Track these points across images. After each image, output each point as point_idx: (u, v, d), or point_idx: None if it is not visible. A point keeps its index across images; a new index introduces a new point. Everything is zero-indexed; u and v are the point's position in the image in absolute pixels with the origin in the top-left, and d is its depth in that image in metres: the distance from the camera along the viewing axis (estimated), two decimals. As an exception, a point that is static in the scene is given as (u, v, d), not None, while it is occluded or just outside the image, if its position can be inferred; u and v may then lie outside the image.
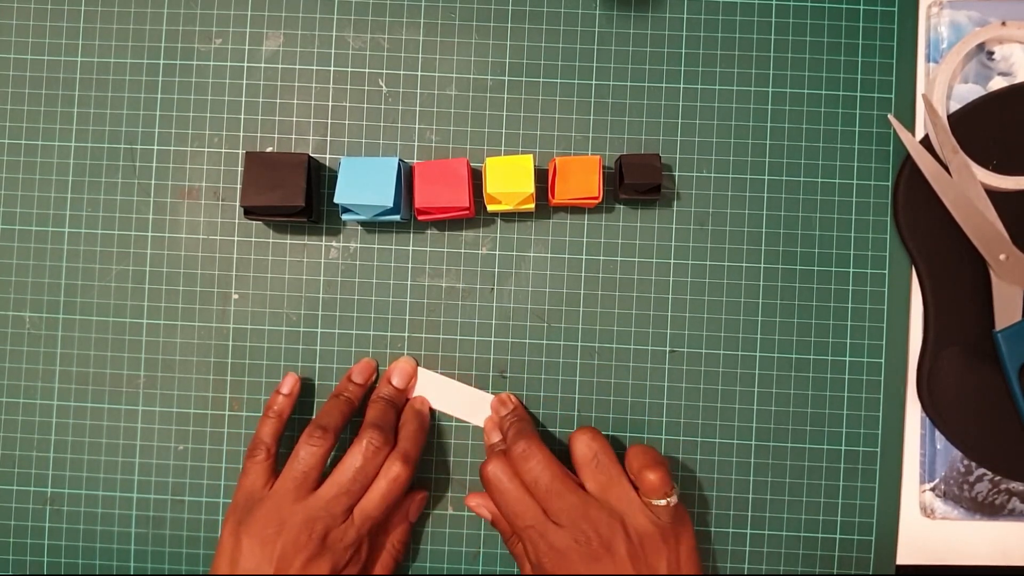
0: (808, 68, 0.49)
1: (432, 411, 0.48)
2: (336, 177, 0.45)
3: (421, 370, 0.48)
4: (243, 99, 0.49)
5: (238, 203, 0.48)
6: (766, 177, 0.48)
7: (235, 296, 0.48)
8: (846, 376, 0.48)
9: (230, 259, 0.48)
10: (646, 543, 0.41)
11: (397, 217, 0.46)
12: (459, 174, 0.45)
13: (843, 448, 0.48)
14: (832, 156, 0.48)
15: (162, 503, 0.48)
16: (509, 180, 0.45)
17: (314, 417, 0.45)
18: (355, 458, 0.43)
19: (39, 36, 0.49)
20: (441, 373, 0.48)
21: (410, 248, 0.49)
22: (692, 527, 0.44)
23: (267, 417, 0.46)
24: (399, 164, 0.45)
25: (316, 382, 0.48)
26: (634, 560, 0.41)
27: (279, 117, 0.49)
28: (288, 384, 0.47)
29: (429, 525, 0.48)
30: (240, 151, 0.49)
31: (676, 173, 0.49)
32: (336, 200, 0.44)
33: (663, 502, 0.42)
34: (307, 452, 0.43)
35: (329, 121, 0.49)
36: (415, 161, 0.48)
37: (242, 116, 0.49)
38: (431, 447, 0.48)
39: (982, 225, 0.46)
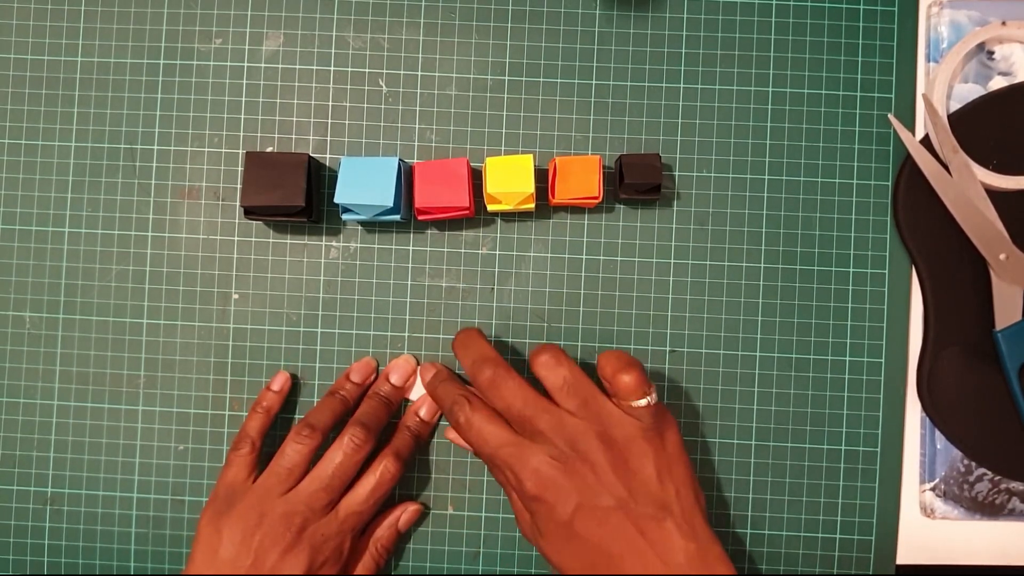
0: (808, 68, 0.49)
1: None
2: (336, 177, 0.45)
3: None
4: (243, 99, 0.49)
5: (238, 203, 0.48)
6: (766, 177, 0.48)
7: (235, 296, 0.48)
8: (846, 376, 0.48)
9: (230, 259, 0.48)
10: (629, 448, 0.40)
11: (397, 217, 0.46)
12: (459, 174, 0.45)
13: (843, 448, 0.48)
14: (832, 156, 0.48)
15: (162, 503, 0.48)
16: (509, 180, 0.45)
17: (306, 414, 0.46)
18: (336, 454, 0.43)
19: (39, 36, 0.49)
20: None
21: (410, 248, 0.49)
22: (676, 423, 0.43)
23: (255, 412, 0.46)
24: (399, 164, 0.45)
25: (316, 382, 0.48)
26: (616, 468, 0.40)
27: (279, 117, 0.49)
28: (279, 381, 0.47)
29: (429, 525, 0.48)
30: (240, 151, 0.49)
31: (676, 173, 0.49)
32: (336, 200, 0.44)
33: (643, 402, 0.41)
34: (293, 449, 0.43)
35: (329, 121, 0.49)
36: (415, 161, 0.48)
37: (242, 116, 0.49)
38: (431, 447, 0.48)
39: (982, 225, 0.46)
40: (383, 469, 0.44)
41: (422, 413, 0.47)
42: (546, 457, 0.40)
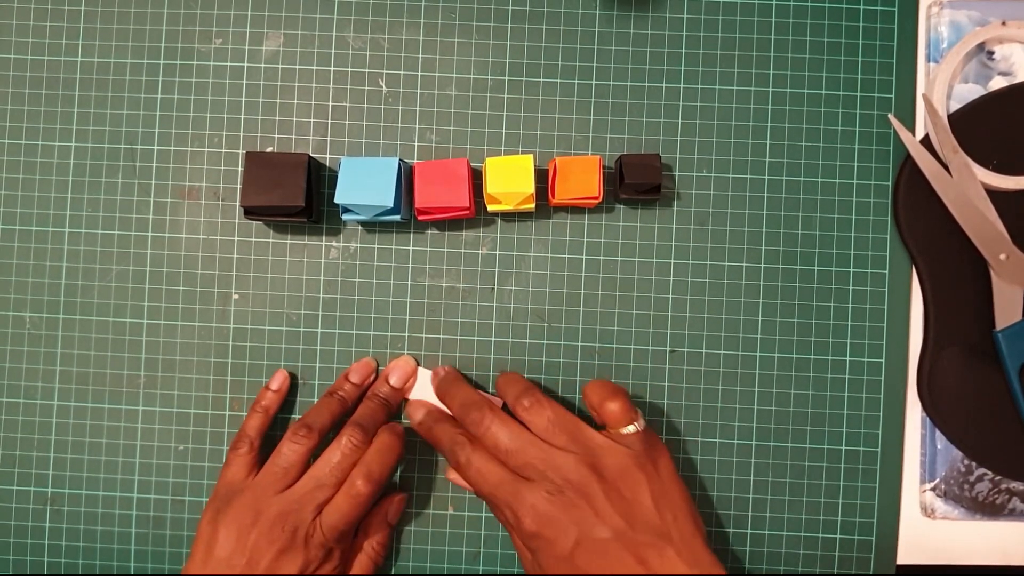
0: (808, 68, 0.49)
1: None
2: (336, 177, 0.45)
3: (421, 370, 0.48)
4: (243, 99, 0.49)
5: (238, 203, 0.48)
6: (766, 177, 0.48)
7: (235, 296, 0.48)
8: (846, 376, 0.48)
9: (230, 259, 0.48)
10: (623, 478, 0.40)
11: (397, 217, 0.46)
12: (459, 174, 0.45)
13: (843, 448, 0.48)
14: (832, 156, 0.48)
15: (162, 503, 0.48)
16: (509, 180, 0.45)
17: (303, 414, 0.45)
18: (333, 454, 0.43)
19: (39, 36, 0.49)
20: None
21: (410, 248, 0.49)
22: (666, 449, 0.43)
23: (254, 412, 0.46)
24: (399, 164, 0.45)
25: (316, 382, 0.48)
26: (612, 498, 0.40)
27: (279, 117, 0.49)
28: (277, 380, 0.47)
29: (429, 525, 0.48)
30: (240, 151, 0.49)
31: (676, 173, 0.49)
32: (336, 200, 0.44)
33: (630, 428, 0.41)
34: (289, 448, 0.43)
35: (329, 121, 0.49)
36: (415, 161, 0.48)
37: (242, 116, 0.49)
38: (432, 449, 0.48)
39: (982, 225, 0.46)
40: (355, 491, 0.43)
41: (392, 380, 0.47)
42: (542, 493, 0.40)
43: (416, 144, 0.49)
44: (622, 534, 0.39)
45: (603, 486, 0.40)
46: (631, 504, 0.40)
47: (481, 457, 0.42)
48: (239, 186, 0.48)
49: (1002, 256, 0.46)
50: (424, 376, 0.48)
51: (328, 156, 0.49)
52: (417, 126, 0.49)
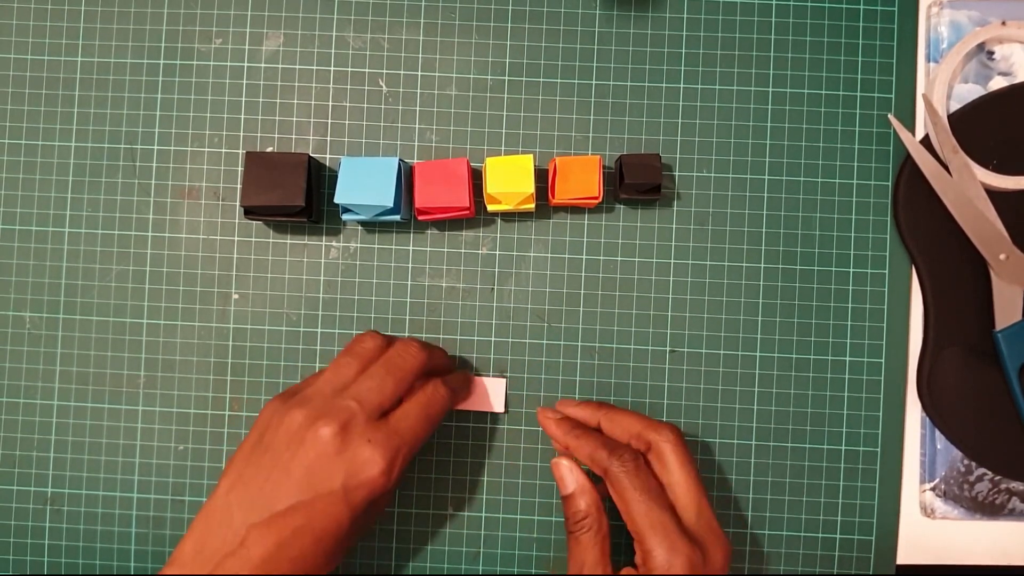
0: (808, 68, 0.49)
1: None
2: (336, 177, 0.45)
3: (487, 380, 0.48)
4: (243, 99, 0.49)
5: (238, 203, 0.48)
6: (766, 177, 0.48)
7: (235, 296, 0.48)
8: (846, 376, 0.48)
9: (230, 259, 0.48)
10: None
11: (397, 217, 0.46)
12: (459, 174, 0.45)
13: (843, 448, 0.48)
14: (832, 156, 0.48)
15: (162, 503, 0.48)
16: (509, 180, 0.45)
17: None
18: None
19: (39, 36, 0.49)
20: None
21: (410, 248, 0.49)
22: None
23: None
24: (399, 164, 0.45)
25: (316, 382, 0.48)
26: None
27: (279, 117, 0.49)
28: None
29: (429, 525, 0.48)
30: (240, 151, 0.49)
31: (676, 173, 0.49)
32: (336, 200, 0.44)
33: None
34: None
35: (329, 121, 0.49)
36: (415, 161, 0.48)
37: (242, 116, 0.49)
38: (431, 447, 0.48)
39: (982, 225, 0.46)
40: (433, 389, 0.42)
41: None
42: (689, 562, 0.40)
43: (416, 144, 0.49)
44: None
45: None
46: None
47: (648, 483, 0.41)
48: (239, 186, 0.48)
49: (1002, 256, 0.46)
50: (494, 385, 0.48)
51: (328, 156, 0.49)
52: (417, 126, 0.49)
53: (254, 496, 0.38)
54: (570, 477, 0.43)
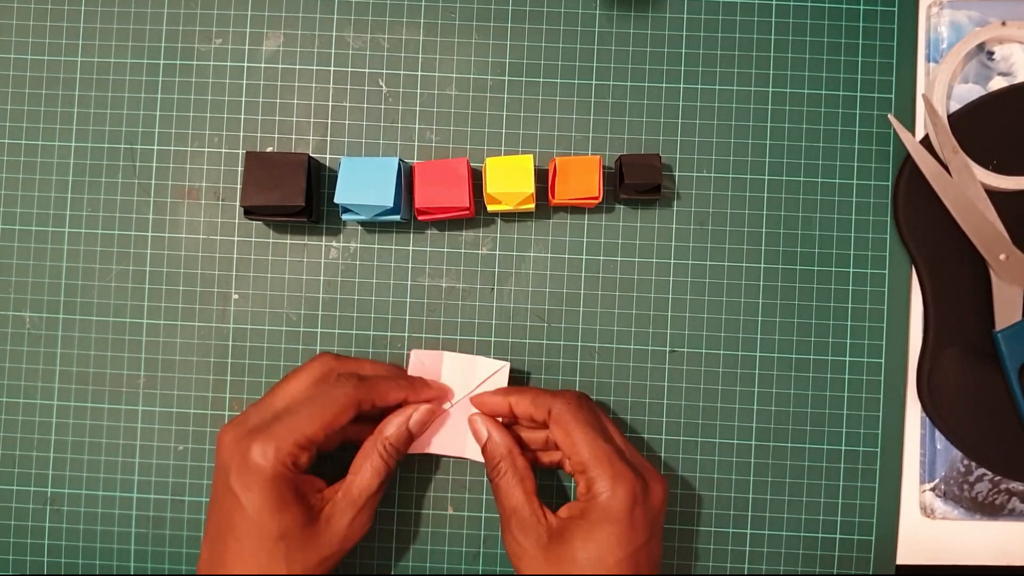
0: (808, 68, 0.49)
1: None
2: (336, 177, 0.45)
3: (447, 355, 0.47)
4: (243, 99, 0.49)
5: (238, 203, 0.48)
6: (766, 177, 0.48)
7: (235, 296, 0.48)
8: (846, 376, 0.48)
9: (230, 259, 0.48)
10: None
11: (397, 217, 0.46)
12: (459, 174, 0.45)
13: (843, 448, 0.48)
14: (832, 156, 0.48)
15: (162, 503, 0.48)
16: (509, 180, 0.45)
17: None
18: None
19: (39, 36, 0.49)
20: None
21: (410, 248, 0.49)
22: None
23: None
24: (399, 164, 0.45)
25: (316, 382, 0.48)
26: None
27: (279, 117, 0.49)
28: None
29: (429, 525, 0.48)
30: (240, 151, 0.49)
31: (676, 173, 0.49)
32: (336, 200, 0.44)
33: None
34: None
35: (329, 121, 0.49)
36: (415, 161, 0.48)
37: (242, 116, 0.49)
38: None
39: (982, 225, 0.46)
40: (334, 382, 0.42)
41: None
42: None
43: (416, 144, 0.49)
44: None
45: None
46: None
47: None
48: (239, 186, 0.48)
49: (1002, 256, 0.46)
50: (451, 361, 0.47)
51: (328, 156, 0.49)
52: (417, 126, 0.49)
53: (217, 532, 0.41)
54: (482, 428, 0.44)
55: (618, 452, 0.41)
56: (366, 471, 0.42)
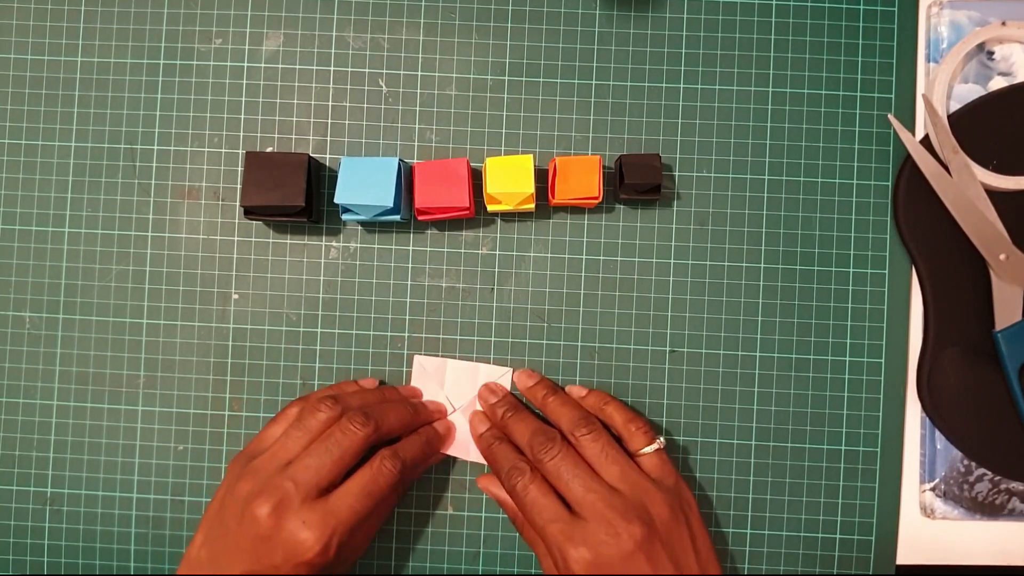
0: (808, 68, 0.49)
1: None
2: (336, 177, 0.45)
3: (450, 361, 0.48)
4: (243, 99, 0.49)
5: (238, 203, 0.48)
6: (766, 177, 0.48)
7: (235, 296, 0.48)
8: (846, 376, 0.48)
9: (230, 259, 0.48)
10: (670, 532, 0.41)
11: (397, 217, 0.46)
12: (459, 174, 0.45)
13: (843, 448, 0.48)
14: (832, 156, 0.48)
15: (162, 503, 0.48)
16: (509, 180, 0.45)
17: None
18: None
19: (39, 36, 0.49)
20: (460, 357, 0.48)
21: (410, 248, 0.49)
22: (686, 484, 0.44)
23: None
24: (399, 164, 0.45)
25: (316, 382, 0.48)
26: (662, 555, 0.40)
27: (279, 117, 0.49)
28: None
29: (429, 525, 0.48)
30: (240, 151, 0.49)
31: (676, 173, 0.49)
32: (336, 200, 0.44)
33: (653, 447, 0.44)
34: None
35: (329, 121, 0.49)
36: (415, 161, 0.48)
37: (242, 116, 0.49)
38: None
39: (982, 225, 0.46)
40: (379, 464, 0.43)
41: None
42: (601, 536, 0.40)
43: (416, 144, 0.49)
44: None
45: (657, 539, 0.41)
46: (679, 563, 0.41)
47: (539, 488, 0.42)
48: (239, 186, 0.48)
49: (1002, 256, 0.46)
50: (455, 368, 0.48)
51: (328, 156, 0.49)
52: (417, 126, 0.49)
53: (217, 555, 0.41)
54: (494, 490, 0.46)
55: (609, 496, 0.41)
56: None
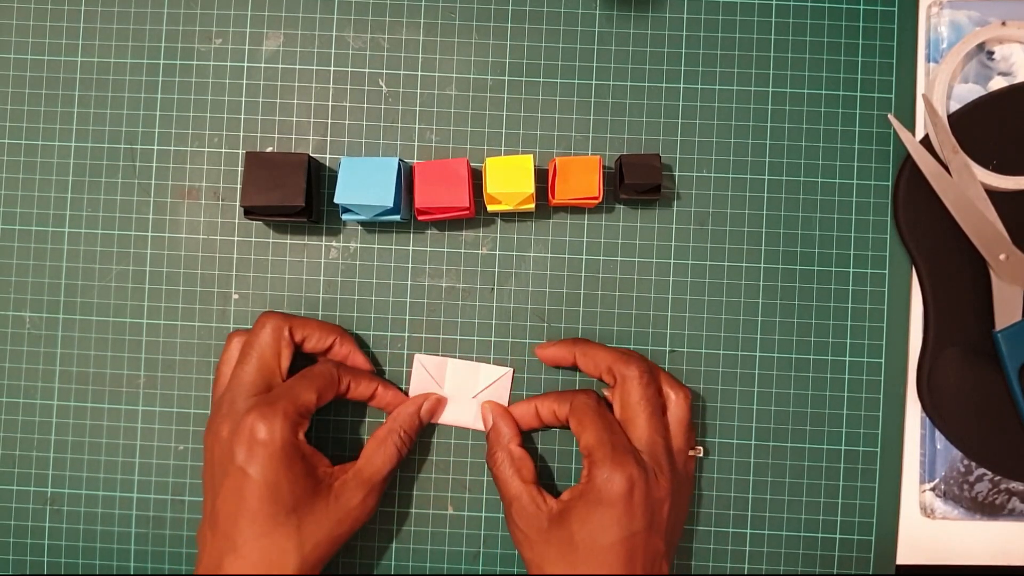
0: (808, 68, 0.49)
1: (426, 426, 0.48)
2: (336, 177, 0.45)
3: (450, 361, 0.48)
4: (243, 99, 0.49)
5: (238, 203, 0.48)
6: (766, 177, 0.48)
7: (235, 296, 0.48)
8: (846, 376, 0.48)
9: (230, 259, 0.48)
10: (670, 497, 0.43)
11: (397, 217, 0.46)
12: (459, 174, 0.45)
13: (843, 448, 0.48)
14: (832, 156, 0.48)
15: (162, 503, 0.48)
16: (509, 180, 0.45)
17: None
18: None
19: (39, 36, 0.49)
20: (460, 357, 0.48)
21: (410, 248, 0.49)
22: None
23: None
24: (399, 164, 0.45)
25: (316, 382, 0.48)
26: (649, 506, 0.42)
27: (279, 117, 0.49)
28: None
29: (429, 525, 0.48)
30: (240, 151, 0.49)
31: (676, 173, 0.49)
32: (336, 200, 0.44)
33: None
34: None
35: (329, 121, 0.49)
36: (415, 161, 0.48)
37: (242, 116, 0.49)
38: (431, 446, 0.48)
39: (982, 225, 0.46)
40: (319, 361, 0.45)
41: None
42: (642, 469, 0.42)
43: (416, 144, 0.49)
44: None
45: (659, 493, 0.42)
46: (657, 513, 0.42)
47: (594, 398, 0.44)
48: (239, 186, 0.48)
49: (1002, 256, 0.46)
50: (454, 366, 0.48)
51: (328, 156, 0.49)
52: (417, 126, 0.49)
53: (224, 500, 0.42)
54: (489, 416, 0.47)
55: (624, 444, 0.42)
56: (379, 455, 0.44)
